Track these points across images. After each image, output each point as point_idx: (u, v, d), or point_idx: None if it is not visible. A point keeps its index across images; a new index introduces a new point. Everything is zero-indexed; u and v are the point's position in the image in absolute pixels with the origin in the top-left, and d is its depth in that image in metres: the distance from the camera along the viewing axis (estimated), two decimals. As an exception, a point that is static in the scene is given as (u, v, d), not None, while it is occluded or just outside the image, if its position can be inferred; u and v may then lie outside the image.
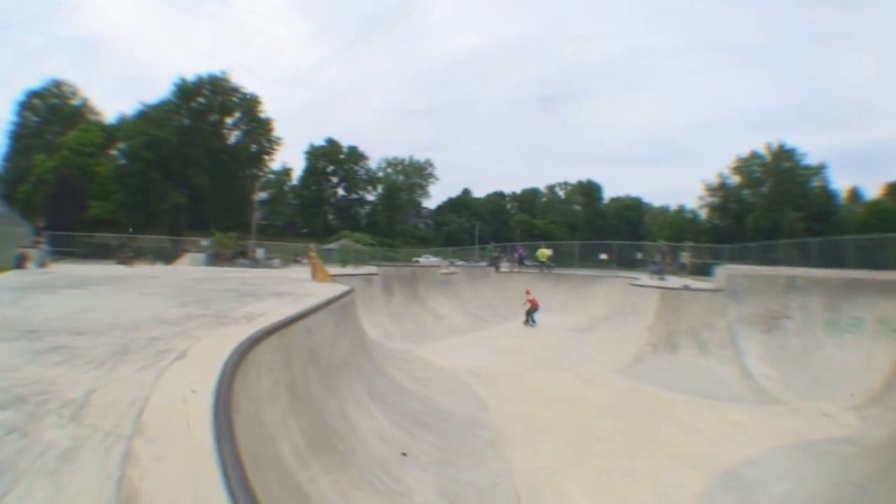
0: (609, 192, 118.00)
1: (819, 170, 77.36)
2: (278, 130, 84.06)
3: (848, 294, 17.89)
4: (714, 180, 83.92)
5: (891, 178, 72.56)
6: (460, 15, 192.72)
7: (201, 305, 8.56)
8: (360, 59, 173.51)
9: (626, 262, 43.77)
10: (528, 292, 29.63)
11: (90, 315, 7.17)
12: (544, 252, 39.43)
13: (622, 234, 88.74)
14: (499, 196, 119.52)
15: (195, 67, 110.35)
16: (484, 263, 43.84)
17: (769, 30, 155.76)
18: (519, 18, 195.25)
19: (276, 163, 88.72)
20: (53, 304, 8.51)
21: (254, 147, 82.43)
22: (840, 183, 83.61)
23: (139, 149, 65.83)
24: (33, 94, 76.00)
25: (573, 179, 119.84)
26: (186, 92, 74.06)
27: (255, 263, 32.74)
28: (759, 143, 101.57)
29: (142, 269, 21.58)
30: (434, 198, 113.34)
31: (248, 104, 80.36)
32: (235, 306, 8.48)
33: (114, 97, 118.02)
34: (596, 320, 26.43)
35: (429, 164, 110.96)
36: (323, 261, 20.17)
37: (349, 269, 25.47)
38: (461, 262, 44.04)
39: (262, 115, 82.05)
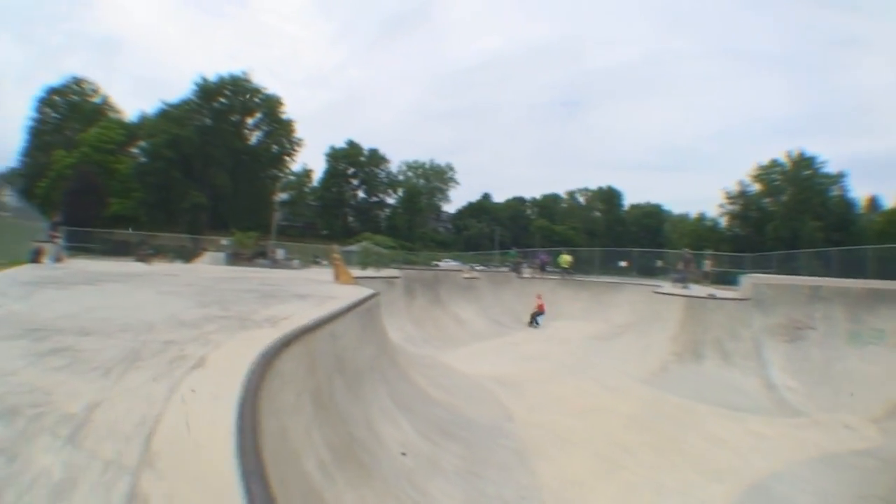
0: (629, 199, 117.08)
1: (838, 178, 76.44)
2: (299, 132, 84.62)
3: (870, 305, 17.90)
4: (734, 188, 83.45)
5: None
6: (481, 18, 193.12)
7: (221, 306, 8.01)
8: (382, 61, 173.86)
9: (647, 270, 43.51)
10: (538, 297, 30.39)
11: (101, 314, 6.64)
12: (566, 258, 39.27)
13: (642, 241, 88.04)
14: (519, 201, 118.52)
15: (216, 68, 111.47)
16: (505, 269, 43.39)
17: (787, 36, 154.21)
18: (540, 22, 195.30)
19: (296, 164, 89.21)
20: (64, 301, 8.04)
21: (275, 148, 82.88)
22: (859, 191, 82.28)
23: (160, 147, 66.31)
24: (53, 91, 76.62)
25: (593, 185, 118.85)
26: (208, 92, 74.51)
27: (275, 264, 32.70)
28: (779, 150, 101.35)
29: (160, 267, 21.25)
30: (454, 202, 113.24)
31: (270, 105, 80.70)
32: (257, 308, 7.92)
33: (133, 96, 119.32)
34: (618, 328, 26.06)
35: (449, 168, 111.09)
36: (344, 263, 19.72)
37: (370, 272, 24.98)
38: (481, 268, 43.46)
39: (284, 116, 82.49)
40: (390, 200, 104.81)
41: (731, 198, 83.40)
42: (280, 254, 37.83)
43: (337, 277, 16.65)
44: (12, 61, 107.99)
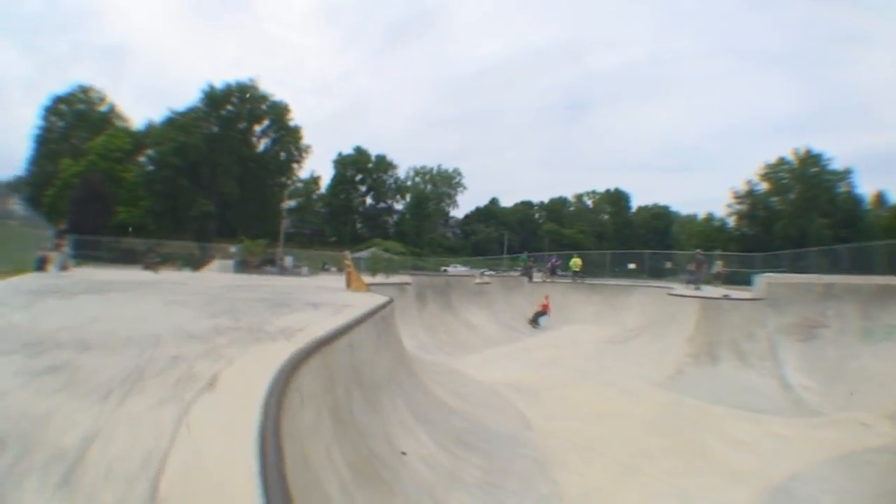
0: (637, 201, 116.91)
1: (845, 174, 76.42)
2: (306, 139, 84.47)
3: (882, 301, 17.97)
4: (742, 187, 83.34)
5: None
6: (485, 22, 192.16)
7: (231, 317, 7.60)
8: (388, 68, 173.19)
9: (656, 272, 43.38)
10: (546, 297, 31.62)
11: (104, 325, 6.26)
12: (577, 262, 39.04)
13: (650, 243, 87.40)
14: (526, 205, 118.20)
15: (222, 77, 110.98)
16: (515, 273, 43.10)
17: (790, 33, 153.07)
18: (543, 25, 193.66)
19: (304, 171, 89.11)
20: (66, 311, 7.69)
21: (283, 155, 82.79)
22: (866, 187, 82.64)
23: (167, 155, 66.19)
24: (60, 100, 76.51)
25: (601, 188, 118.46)
26: (215, 99, 74.46)
27: (283, 271, 32.61)
28: (786, 148, 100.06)
29: (168, 275, 20.95)
30: (462, 207, 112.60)
31: (277, 112, 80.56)
32: (270, 318, 7.50)
33: (140, 104, 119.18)
34: (631, 331, 25.76)
35: (457, 173, 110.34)
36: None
37: (380, 278, 24.60)
38: (490, 272, 43.08)
39: (291, 123, 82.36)
40: (398, 206, 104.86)
41: (739, 197, 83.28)
42: (289, 261, 37.76)
43: (349, 284, 16.27)
44: (19, 70, 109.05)
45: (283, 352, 4.63)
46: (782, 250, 45.72)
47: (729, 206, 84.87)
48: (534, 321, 30.36)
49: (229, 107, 76.08)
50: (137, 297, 10.53)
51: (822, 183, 75.57)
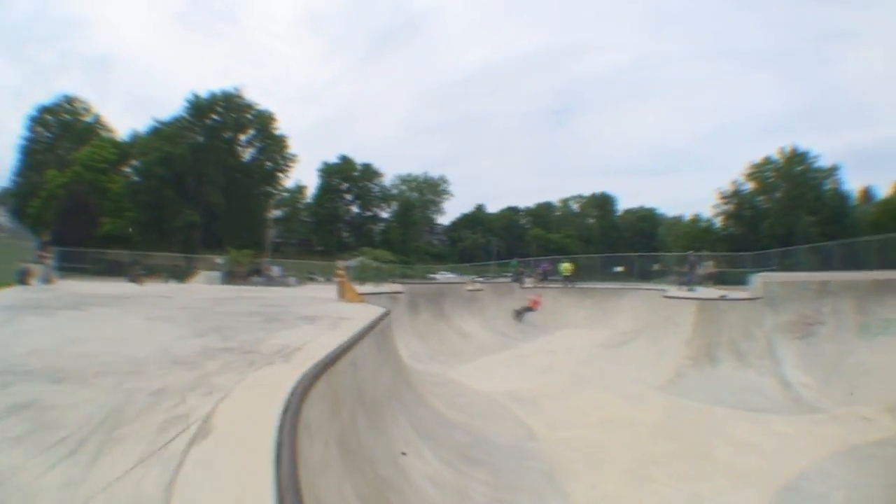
0: (623, 204, 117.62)
1: (832, 171, 77.25)
2: (292, 148, 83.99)
3: (877, 296, 17.98)
4: (728, 188, 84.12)
5: (902, 176, 71.43)
6: (471, 30, 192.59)
7: (221, 335, 6.98)
8: (373, 76, 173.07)
9: (645, 274, 43.69)
10: (538, 295, 32.63)
11: (82, 348, 5.62)
12: (567, 266, 39.24)
13: (637, 245, 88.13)
14: (513, 211, 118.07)
15: (208, 86, 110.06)
16: (505, 279, 42.85)
17: (775, 32, 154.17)
18: (529, 31, 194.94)
19: (290, 180, 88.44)
20: (43, 331, 7.07)
21: (268, 164, 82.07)
22: (853, 183, 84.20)
23: (152, 165, 65.37)
24: (45, 110, 75.64)
25: (587, 192, 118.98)
26: (200, 108, 73.75)
27: (270, 281, 32.27)
28: (772, 148, 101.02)
29: (153, 288, 20.31)
30: (448, 214, 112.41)
31: (263, 121, 79.95)
32: (263, 336, 6.91)
33: (126, 115, 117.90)
34: (625, 335, 25.64)
35: (443, 180, 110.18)
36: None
37: (369, 287, 24.06)
38: (479, 279, 42.75)
39: (277, 132, 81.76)
40: (384, 214, 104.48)
41: (726, 197, 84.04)
42: (276, 271, 37.56)
43: (342, 295, 15.73)
44: (6, 79, 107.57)
45: (284, 378, 4.08)
46: (769, 249, 46.30)
47: (715, 206, 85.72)
48: (518, 316, 30.86)
49: (214, 116, 75.43)
50: (121, 312, 9.93)
51: (808, 181, 76.35)
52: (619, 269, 45.76)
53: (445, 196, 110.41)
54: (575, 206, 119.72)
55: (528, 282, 39.95)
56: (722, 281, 32.70)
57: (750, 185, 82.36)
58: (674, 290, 26.48)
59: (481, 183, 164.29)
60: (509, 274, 44.73)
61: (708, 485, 9.67)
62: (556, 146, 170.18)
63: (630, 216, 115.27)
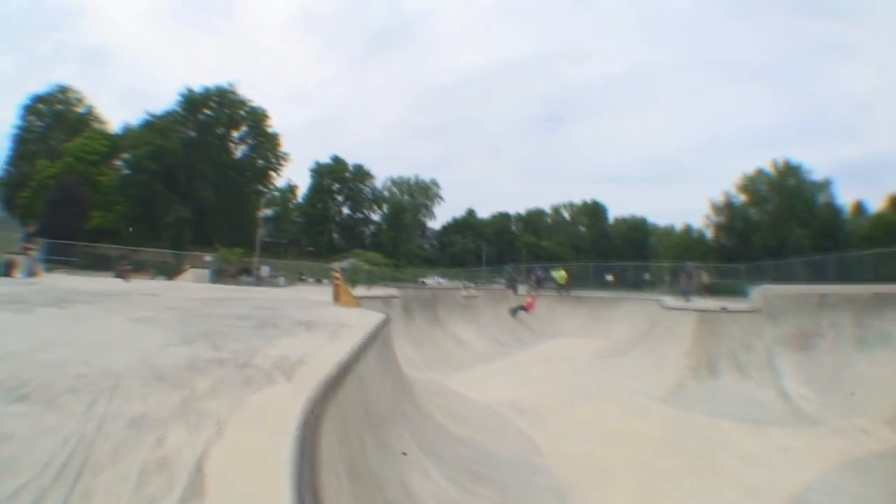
0: (614, 213, 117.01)
1: (825, 185, 77.85)
2: (283, 147, 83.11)
3: (875, 309, 18.02)
4: (720, 199, 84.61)
5: (894, 190, 71.54)
6: (465, 34, 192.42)
7: (211, 342, 6.17)
8: (366, 78, 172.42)
9: (636, 283, 44.36)
10: (534, 297, 33.80)
11: (55, 353, 4.89)
12: (562, 274, 39.06)
13: (627, 254, 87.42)
14: (504, 217, 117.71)
15: (200, 82, 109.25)
16: (499, 285, 42.46)
17: (768, 45, 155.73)
18: (522, 37, 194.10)
19: (281, 180, 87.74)
20: (16, 331, 6.34)
21: (260, 162, 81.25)
22: (845, 196, 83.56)
23: (144, 159, 64.43)
24: (38, 99, 74.71)
25: (578, 200, 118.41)
26: (193, 103, 73.01)
27: (260, 281, 31.90)
28: (765, 159, 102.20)
29: (140, 285, 19.59)
30: (439, 218, 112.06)
31: (256, 118, 79.17)
32: (258, 344, 6.14)
33: (119, 107, 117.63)
34: (622, 345, 25.78)
35: (434, 184, 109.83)
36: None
37: (360, 290, 23.45)
38: (471, 285, 42.27)
39: (270, 130, 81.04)
40: (375, 217, 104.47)
41: (717, 209, 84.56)
42: (265, 271, 37.32)
43: (337, 298, 15.13)
44: (1, 69, 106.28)
45: (289, 403, 3.43)
46: (761, 261, 46.73)
47: (707, 217, 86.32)
48: (513, 313, 32.10)
49: (207, 111, 74.50)
50: (103, 311, 9.24)
51: (800, 194, 76.92)
52: (610, 277, 45.95)
53: (436, 200, 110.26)
54: (566, 214, 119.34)
55: (522, 289, 39.63)
56: (715, 291, 32.77)
57: (742, 197, 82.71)
58: (671, 301, 26.41)
59: (472, 187, 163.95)
60: (502, 280, 44.32)
61: (716, 498, 9.80)
62: (548, 152, 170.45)
63: (621, 225, 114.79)
